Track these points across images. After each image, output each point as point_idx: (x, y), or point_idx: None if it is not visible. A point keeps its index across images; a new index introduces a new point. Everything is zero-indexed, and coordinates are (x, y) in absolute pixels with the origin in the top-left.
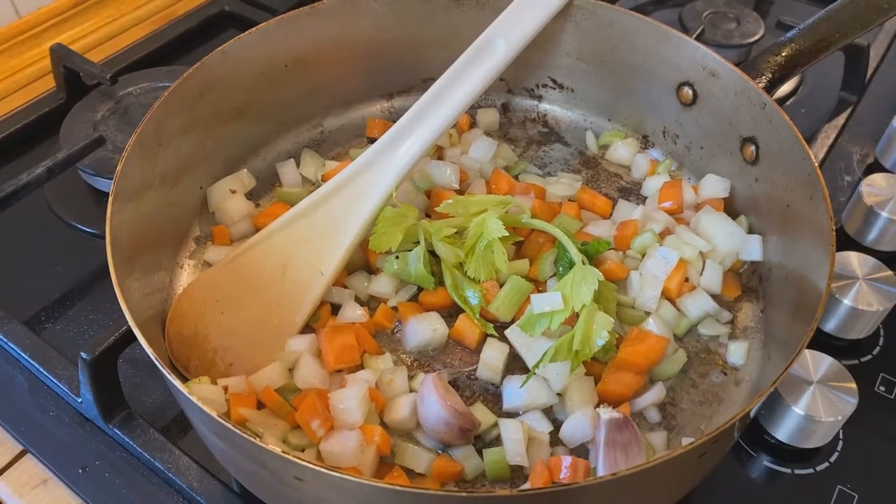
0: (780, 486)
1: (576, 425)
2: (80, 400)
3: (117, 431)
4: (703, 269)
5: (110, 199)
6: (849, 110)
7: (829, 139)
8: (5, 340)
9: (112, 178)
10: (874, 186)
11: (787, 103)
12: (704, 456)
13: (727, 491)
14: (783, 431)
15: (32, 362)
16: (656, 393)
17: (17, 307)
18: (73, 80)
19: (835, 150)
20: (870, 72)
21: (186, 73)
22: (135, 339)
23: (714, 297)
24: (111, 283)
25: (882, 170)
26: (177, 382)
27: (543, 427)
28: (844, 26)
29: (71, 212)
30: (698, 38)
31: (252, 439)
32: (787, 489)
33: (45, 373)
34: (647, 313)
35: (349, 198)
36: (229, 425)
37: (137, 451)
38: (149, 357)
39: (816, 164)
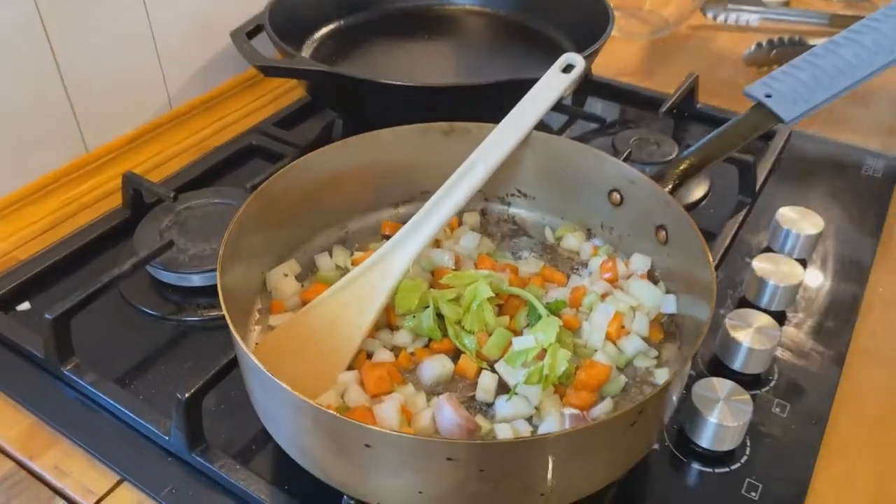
0: (705, 483)
1: (548, 426)
2: (168, 438)
3: (199, 459)
4: (633, 320)
5: (218, 277)
6: (745, 209)
7: (732, 230)
8: (102, 395)
9: (176, 273)
10: (762, 262)
11: (700, 206)
12: (636, 425)
13: (663, 487)
14: (704, 439)
15: (126, 411)
16: (605, 405)
17: (107, 371)
18: (137, 199)
19: (737, 240)
20: (760, 181)
21: (257, 190)
22: (217, 382)
23: (643, 339)
24: (174, 352)
25: (771, 251)
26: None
27: (526, 430)
28: (718, 149)
29: (139, 299)
30: (627, 158)
31: (336, 414)
32: (710, 485)
33: (136, 418)
34: (595, 350)
35: (377, 275)
36: (321, 407)
37: (216, 473)
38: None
39: (703, 241)
